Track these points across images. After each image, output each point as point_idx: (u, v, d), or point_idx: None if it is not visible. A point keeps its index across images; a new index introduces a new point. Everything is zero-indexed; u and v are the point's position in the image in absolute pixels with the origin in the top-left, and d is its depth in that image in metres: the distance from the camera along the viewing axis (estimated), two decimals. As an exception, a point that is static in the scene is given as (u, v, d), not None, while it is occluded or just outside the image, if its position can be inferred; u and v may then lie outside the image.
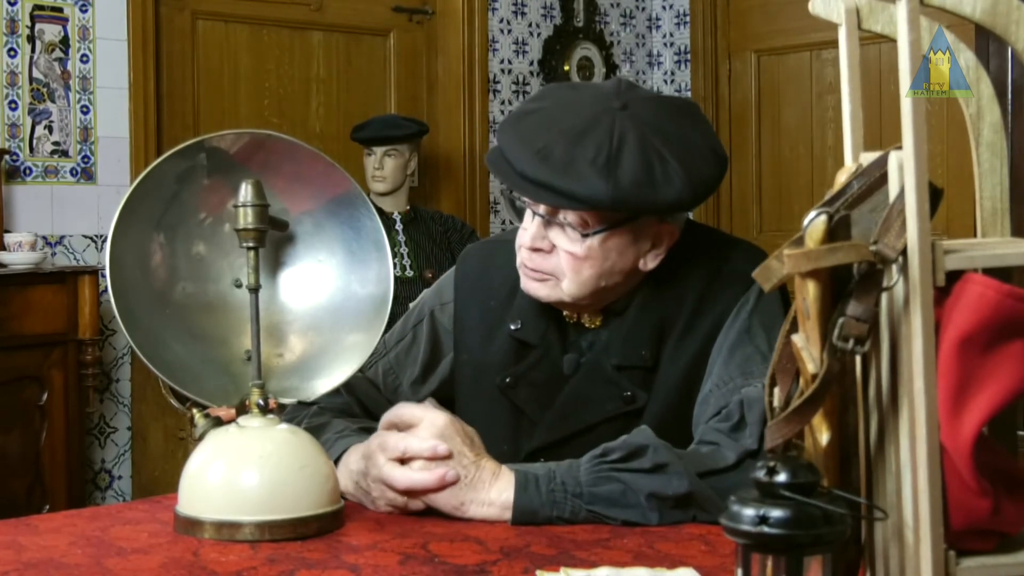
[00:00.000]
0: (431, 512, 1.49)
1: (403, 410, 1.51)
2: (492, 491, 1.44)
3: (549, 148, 1.52)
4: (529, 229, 1.60)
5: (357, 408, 1.74)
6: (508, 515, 1.43)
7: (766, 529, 0.83)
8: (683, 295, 1.63)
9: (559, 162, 1.51)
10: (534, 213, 1.59)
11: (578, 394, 1.66)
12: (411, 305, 3.27)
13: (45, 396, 3.62)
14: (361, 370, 1.61)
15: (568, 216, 1.56)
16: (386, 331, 1.68)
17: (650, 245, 1.60)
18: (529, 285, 1.63)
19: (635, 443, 1.45)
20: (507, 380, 1.69)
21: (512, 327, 1.70)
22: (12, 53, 3.88)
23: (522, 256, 1.63)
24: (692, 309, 1.62)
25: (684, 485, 1.42)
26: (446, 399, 1.79)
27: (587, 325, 1.67)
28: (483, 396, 1.72)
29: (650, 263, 1.61)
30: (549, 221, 1.58)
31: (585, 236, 1.56)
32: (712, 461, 1.45)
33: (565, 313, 1.68)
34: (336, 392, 1.64)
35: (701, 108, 1.70)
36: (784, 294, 1.62)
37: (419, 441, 1.46)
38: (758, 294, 1.60)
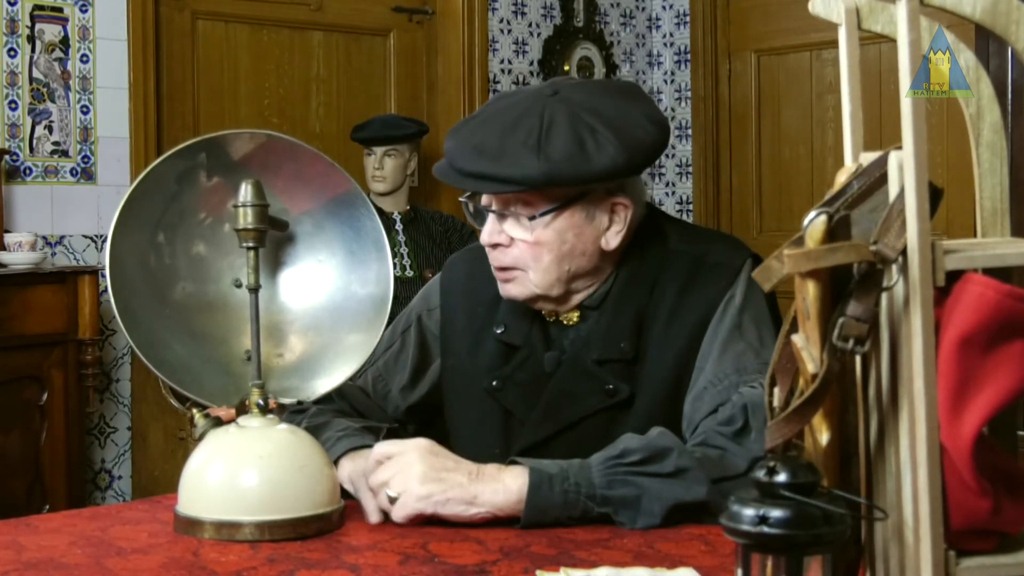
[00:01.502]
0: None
1: (385, 448, 1.50)
2: (506, 479, 1.42)
3: (484, 142, 1.57)
4: (485, 227, 1.63)
5: (351, 412, 1.74)
6: (521, 507, 1.41)
7: (766, 529, 0.83)
8: (662, 286, 1.63)
9: (493, 151, 1.55)
10: (487, 211, 1.62)
11: (561, 391, 1.66)
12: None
13: (45, 396, 3.62)
14: (351, 378, 1.61)
15: (516, 206, 1.59)
16: (383, 333, 1.68)
17: (607, 222, 1.62)
18: (502, 289, 1.66)
19: (657, 446, 1.44)
20: (494, 383, 1.70)
21: (497, 331, 1.71)
22: (12, 53, 3.88)
23: (489, 259, 1.66)
24: (674, 301, 1.62)
25: (702, 492, 1.41)
26: (436, 403, 1.79)
27: (566, 322, 1.68)
28: (472, 401, 1.73)
29: (612, 242, 1.62)
30: (502, 215, 1.61)
31: (532, 219, 1.58)
32: (723, 468, 1.45)
33: (544, 311, 1.69)
34: (329, 399, 1.64)
35: (642, 88, 1.72)
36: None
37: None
38: (744, 289, 1.61)
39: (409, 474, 1.43)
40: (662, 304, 1.63)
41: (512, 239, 1.61)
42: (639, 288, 1.64)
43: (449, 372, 1.77)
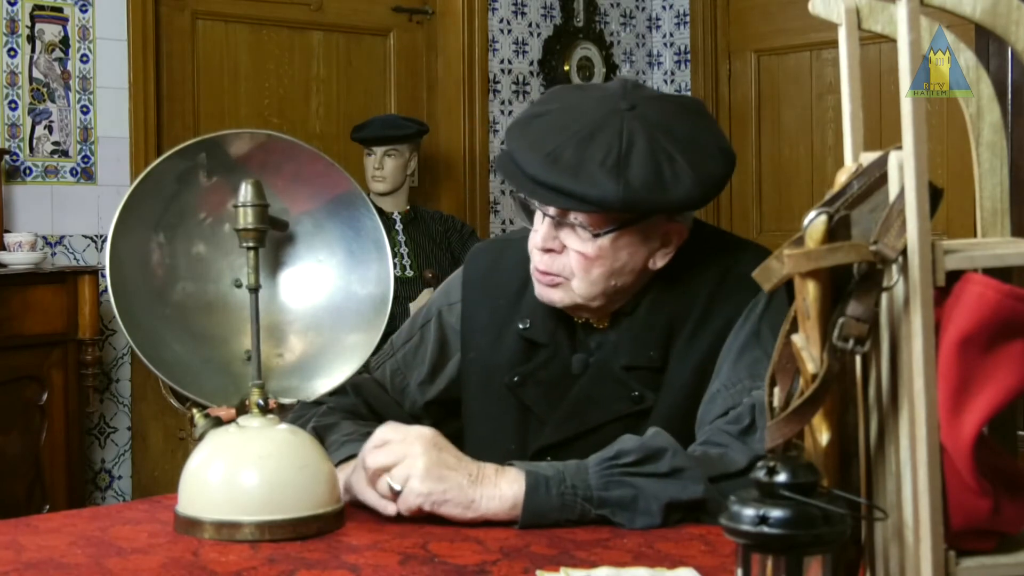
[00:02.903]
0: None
1: (386, 433, 1.49)
2: (501, 484, 1.42)
3: (558, 151, 1.53)
4: (540, 231, 1.61)
5: (364, 409, 1.74)
6: (517, 512, 1.41)
7: (766, 529, 0.83)
8: (692, 295, 1.63)
9: (569, 165, 1.52)
10: (544, 214, 1.60)
11: (587, 394, 1.66)
12: (411, 305, 3.27)
13: (45, 396, 3.62)
14: (368, 371, 1.61)
15: (579, 217, 1.57)
16: (390, 332, 1.68)
17: (659, 244, 1.61)
18: (542, 291, 1.64)
19: (652, 446, 1.44)
20: (515, 379, 1.70)
21: (521, 326, 1.70)
22: (12, 53, 3.88)
23: (534, 260, 1.63)
24: (702, 309, 1.62)
25: (699, 491, 1.41)
26: (453, 399, 1.80)
27: (596, 325, 1.68)
28: (491, 395, 1.72)
29: (659, 262, 1.62)
30: (560, 222, 1.59)
31: (596, 236, 1.57)
32: (723, 465, 1.45)
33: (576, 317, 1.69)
34: (344, 392, 1.64)
35: (706, 106, 1.70)
36: (792, 299, 1.62)
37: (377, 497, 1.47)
38: (768, 298, 1.60)
39: (411, 467, 1.43)
40: (691, 313, 1.63)
41: (565, 247, 1.60)
42: (670, 297, 1.64)
43: (469, 366, 1.76)
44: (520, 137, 1.59)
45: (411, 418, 1.76)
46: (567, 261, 1.60)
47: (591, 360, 1.67)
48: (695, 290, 1.63)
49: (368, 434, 1.61)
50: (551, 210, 1.58)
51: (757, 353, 1.57)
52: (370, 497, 1.47)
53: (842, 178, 0.92)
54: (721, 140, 1.63)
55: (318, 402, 1.64)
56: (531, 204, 1.62)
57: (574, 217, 1.57)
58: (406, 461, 1.43)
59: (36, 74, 3.93)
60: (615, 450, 1.45)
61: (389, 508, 1.45)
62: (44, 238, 3.92)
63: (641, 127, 1.55)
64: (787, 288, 1.62)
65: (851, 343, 0.86)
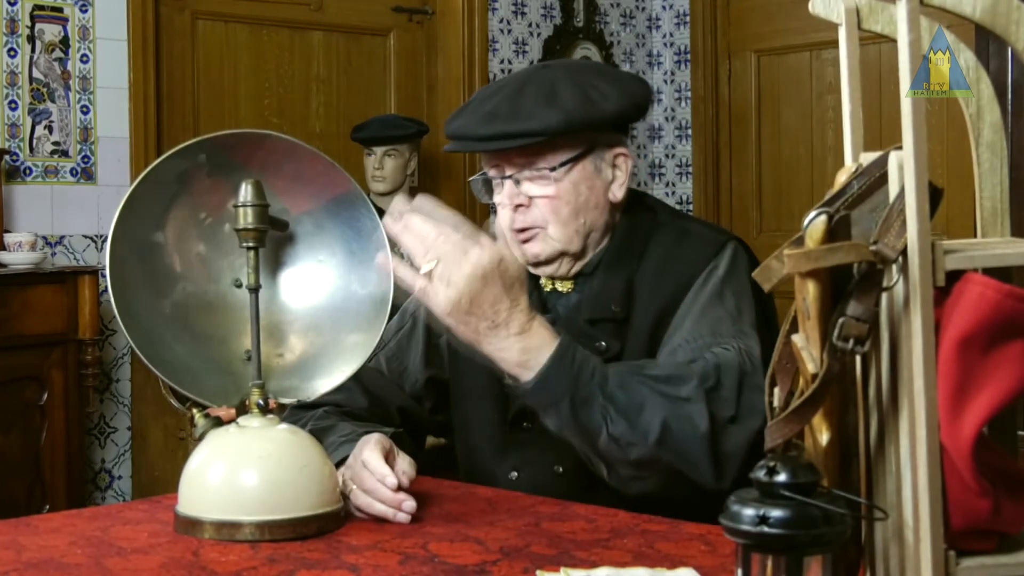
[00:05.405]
0: (431, 512, 1.49)
1: (446, 222, 1.51)
2: (516, 346, 1.48)
3: (495, 109, 1.67)
4: (504, 194, 1.71)
5: (363, 398, 1.77)
6: (522, 373, 1.48)
7: (766, 529, 0.83)
8: (648, 255, 1.73)
9: (507, 113, 1.66)
10: (502, 179, 1.71)
11: None
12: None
13: (45, 396, 3.62)
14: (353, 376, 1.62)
15: (535, 164, 1.68)
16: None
17: (611, 175, 1.73)
18: (524, 249, 1.71)
19: (681, 373, 1.53)
20: None
21: None
22: (12, 53, 3.88)
23: (506, 222, 1.71)
24: (658, 266, 1.72)
25: (705, 425, 1.49)
26: (446, 379, 1.82)
27: (561, 290, 1.76)
28: (473, 370, 1.75)
29: (619, 193, 1.73)
30: (518, 180, 1.70)
31: (553, 171, 1.68)
32: (692, 423, 1.51)
33: (541, 281, 1.77)
34: (343, 387, 1.64)
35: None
36: (752, 263, 1.72)
37: (387, 491, 1.47)
38: (728, 264, 1.70)
39: (463, 294, 1.46)
40: (649, 268, 1.72)
41: (531, 199, 1.69)
42: (629, 256, 1.73)
43: (453, 346, 1.79)
44: (458, 117, 1.73)
45: (412, 399, 1.84)
46: (537, 211, 1.70)
47: (557, 319, 1.73)
48: (652, 248, 1.74)
49: (366, 433, 1.62)
50: (507, 171, 1.70)
51: (720, 312, 1.66)
52: (378, 508, 1.48)
53: (842, 178, 0.92)
54: (633, 76, 1.84)
55: (314, 404, 1.65)
56: (482, 181, 1.74)
57: (528, 171, 1.68)
58: (459, 278, 1.46)
59: (36, 74, 3.93)
60: (642, 361, 1.57)
61: (400, 517, 1.47)
62: (44, 238, 3.92)
63: (560, 71, 1.73)
64: (749, 255, 1.72)
65: (851, 343, 0.86)
